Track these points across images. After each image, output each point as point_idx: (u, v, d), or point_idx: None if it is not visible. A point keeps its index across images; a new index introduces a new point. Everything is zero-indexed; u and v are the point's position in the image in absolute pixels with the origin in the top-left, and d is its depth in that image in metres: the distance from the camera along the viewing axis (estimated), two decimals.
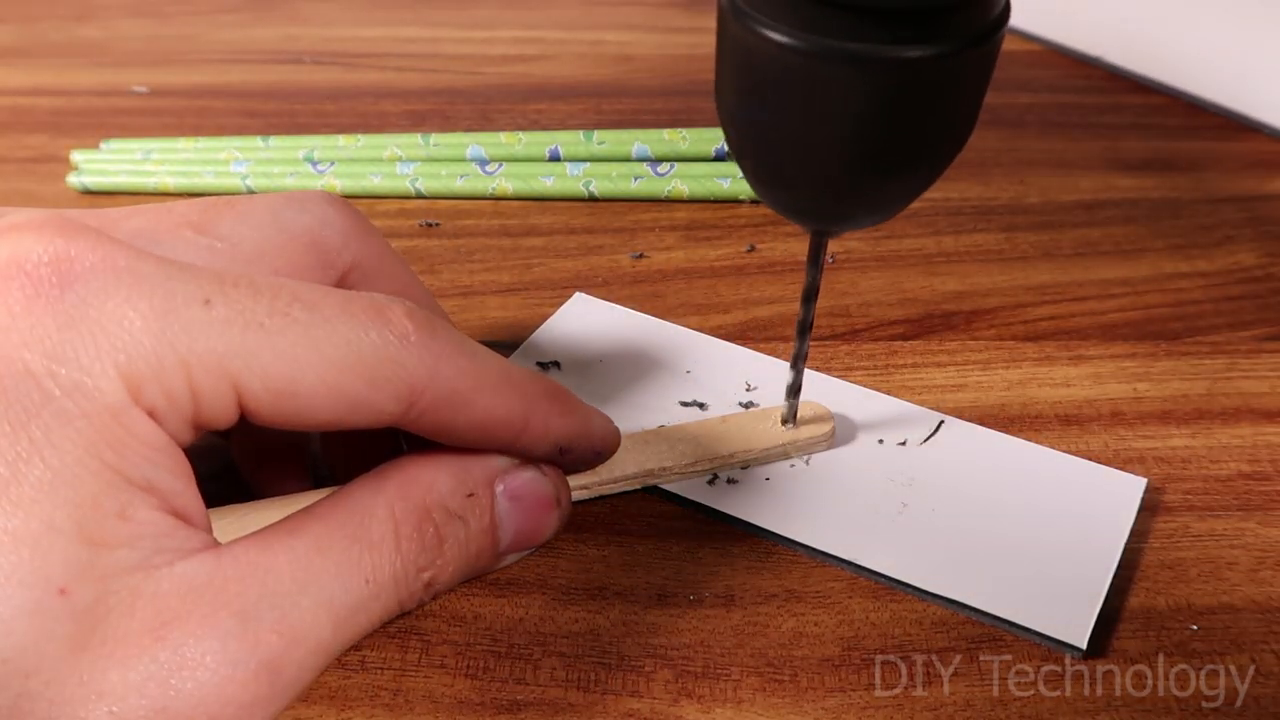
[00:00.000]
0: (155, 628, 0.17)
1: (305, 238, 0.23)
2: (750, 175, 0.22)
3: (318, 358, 0.19)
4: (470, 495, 0.22)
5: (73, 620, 0.16)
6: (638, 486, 0.27)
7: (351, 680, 0.23)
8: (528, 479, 0.23)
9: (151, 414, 0.17)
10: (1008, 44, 0.50)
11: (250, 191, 0.41)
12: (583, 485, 0.26)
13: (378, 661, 0.24)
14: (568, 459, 0.24)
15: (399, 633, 0.24)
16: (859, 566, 0.25)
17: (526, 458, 0.23)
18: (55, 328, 0.17)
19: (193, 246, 0.21)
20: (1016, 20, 0.51)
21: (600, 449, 0.24)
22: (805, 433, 0.27)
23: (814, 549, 0.25)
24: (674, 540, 0.26)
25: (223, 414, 0.18)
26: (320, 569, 0.19)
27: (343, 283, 0.24)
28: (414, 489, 0.21)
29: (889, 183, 0.21)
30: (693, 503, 0.27)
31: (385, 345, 0.19)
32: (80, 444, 0.17)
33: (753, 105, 0.20)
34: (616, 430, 0.25)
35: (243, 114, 0.47)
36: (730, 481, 0.27)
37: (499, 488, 0.22)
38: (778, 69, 0.19)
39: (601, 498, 0.27)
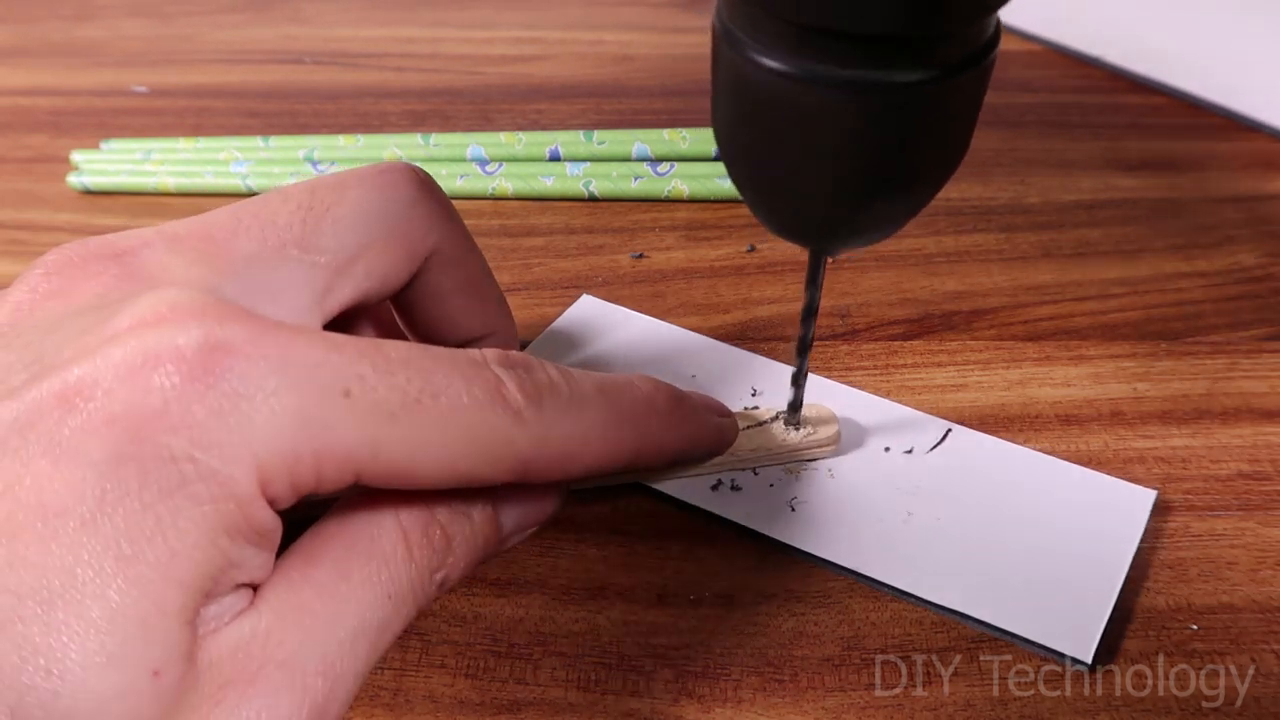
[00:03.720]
0: (213, 693, 0.17)
1: (396, 232, 0.24)
2: (746, 196, 0.22)
3: (439, 444, 0.19)
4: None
5: (158, 701, 0.17)
6: (633, 481, 0.27)
7: None
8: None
9: (274, 501, 0.18)
10: (1007, 44, 0.50)
11: (251, 192, 0.41)
12: None
13: (377, 661, 0.24)
14: (679, 463, 0.25)
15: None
16: (863, 576, 0.25)
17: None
18: (204, 415, 0.17)
19: (299, 268, 0.22)
20: (1017, 20, 0.51)
21: (714, 449, 0.26)
22: (811, 437, 0.27)
23: (818, 557, 0.25)
24: (674, 540, 0.26)
25: (337, 490, 0.19)
26: (346, 596, 0.19)
27: (424, 268, 0.25)
28: (414, 496, 0.21)
29: (883, 204, 0.21)
30: (695, 508, 0.27)
31: (500, 426, 0.20)
32: (205, 528, 0.17)
33: (746, 129, 0.20)
34: (734, 424, 0.26)
35: (243, 114, 0.47)
36: (734, 488, 0.27)
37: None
38: (770, 94, 0.19)
39: (601, 490, 0.27)
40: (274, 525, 0.18)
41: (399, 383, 0.19)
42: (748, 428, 0.27)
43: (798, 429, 0.27)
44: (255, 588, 0.19)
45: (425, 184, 0.25)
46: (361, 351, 0.19)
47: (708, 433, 0.25)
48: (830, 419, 0.28)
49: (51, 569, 0.16)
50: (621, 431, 0.22)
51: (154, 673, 0.16)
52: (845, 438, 0.28)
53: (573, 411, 0.21)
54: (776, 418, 0.28)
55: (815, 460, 0.28)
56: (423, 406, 0.19)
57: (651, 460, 0.23)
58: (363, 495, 0.21)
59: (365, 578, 0.20)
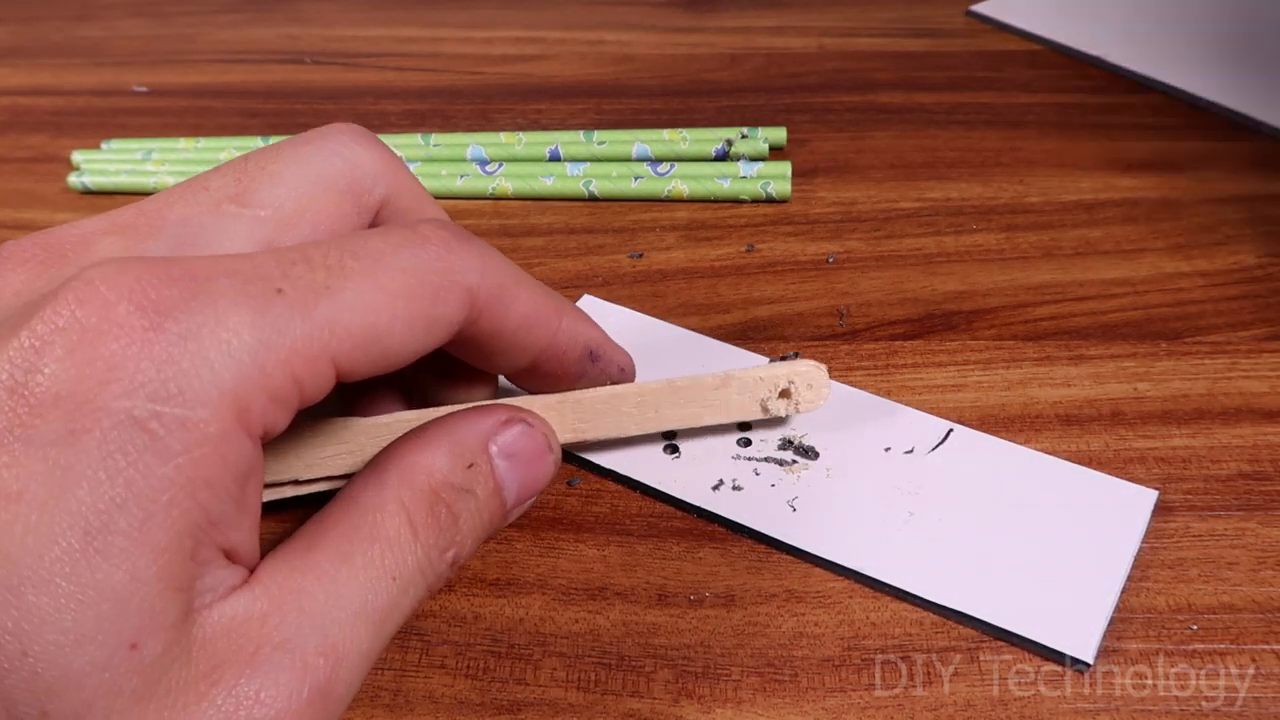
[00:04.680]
0: (209, 672, 0.17)
1: (339, 185, 0.23)
2: None
3: (386, 296, 0.19)
4: (471, 466, 0.22)
5: (139, 674, 0.16)
6: (614, 436, 0.27)
7: None
8: (518, 433, 0.23)
9: (267, 429, 0.18)
10: (1007, 44, 0.50)
11: None
12: (573, 436, 0.26)
13: (378, 661, 0.24)
14: (597, 366, 0.25)
15: (399, 633, 0.24)
16: (864, 576, 0.25)
17: (559, 367, 0.24)
18: (155, 369, 0.16)
19: (238, 222, 0.21)
20: (1016, 20, 0.51)
21: (623, 364, 0.26)
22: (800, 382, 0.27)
23: (818, 557, 0.25)
24: (674, 540, 0.26)
25: (323, 389, 0.19)
26: (348, 579, 0.19)
27: (375, 220, 0.24)
28: (416, 475, 0.21)
29: None
30: (695, 508, 0.27)
31: (435, 259, 0.20)
32: (180, 483, 0.16)
33: None
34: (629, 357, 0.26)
35: (243, 114, 0.47)
36: (735, 488, 0.27)
37: (493, 449, 0.23)
38: None
39: (601, 490, 0.27)
40: (254, 463, 0.18)
41: (318, 257, 0.19)
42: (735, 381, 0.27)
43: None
44: (251, 570, 0.19)
45: (365, 138, 0.24)
46: (271, 253, 0.19)
47: (614, 343, 0.26)
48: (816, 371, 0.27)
49: (16, 553, 0.16)
50: (541, 287, 0.23)
51: (131, 645, 0.16)
52: (845, 437, 0.28)
53: (496, 253, 0.22)
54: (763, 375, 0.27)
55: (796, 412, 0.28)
56: (350, 269, 0.19)
57: (572, 339, 0.24)
58: (362, 478, 0.21)
59: (368, 560, 0.20)
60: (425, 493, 0.21)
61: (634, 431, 0.26)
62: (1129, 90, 0.46)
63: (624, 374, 0.26)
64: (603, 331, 0.25)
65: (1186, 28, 0.49)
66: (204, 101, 0.48)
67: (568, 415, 0.26)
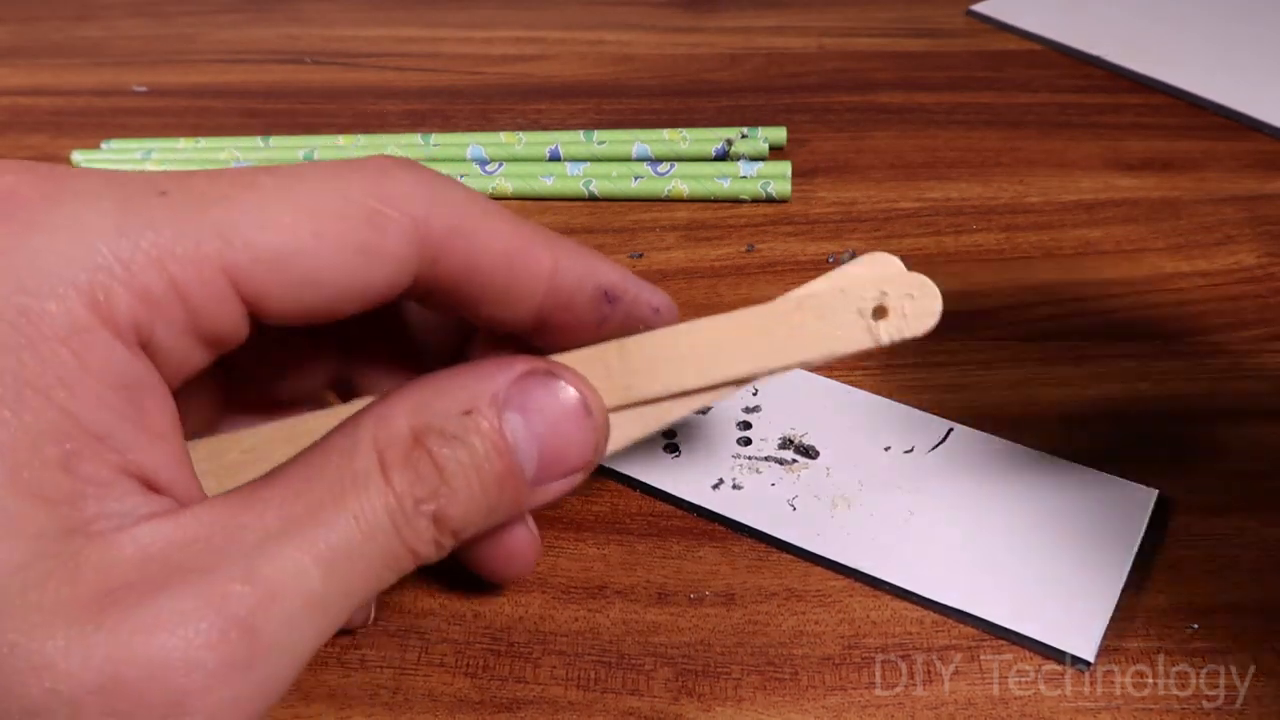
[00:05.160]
0: (100, 596, 0.15)
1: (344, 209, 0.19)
2: None
3: (303, 213, 0.17)
4: (467, 412, 0.18)
5: None
6: (673, 391, 0.22)
7: (351, 679, 0.23)
8: (538, 384, 0.19)
9: (136, 334, 0.16)
10: (1007, 44, 0.50)
11: None
12: (621, 397, 0.21)
13: (377, 660, 0.24)
14: (619, 309, 0.21)
15: (399, 631, 0.24)
16: (864, 575, 0.25)
17: (570, 316, 0.21)
18: (4, 260, 0.15)
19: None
20: (1016, 20, 0.51)
21: (658, 304, 0.22)
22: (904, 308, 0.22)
23: (818, 556, 0.25)
24: (674, 539, 0.26)
25: (224, 311, 0.17)
26: (297, 515, 0.17)
27: (435, 252, 0.20)
28: (397, 413, 0.18)
29: None
30: (695, 507, 0.27)
31: (370, 182, 0.18)
32: (22, 378, 0.15)
33: None
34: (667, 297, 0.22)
35: (243, 114, 0.47)
36: (735, 487, 0.27)
37: (503, 399, 0.19)
38: None
39: (601, 490, 0.27)
40: (135, 375, 0.16)
41: (223, 176, 0.17)
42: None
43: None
44: (180, 503, 0.17)
45: (401, 164, 0.21)
46: (174, 172, 0.17)
47: (637, 280, 0.22)
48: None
49: None
50: (524, 223, 0.20)
51: None
52: (845, 437, 0.28)
53: (462, 186, 0.19)
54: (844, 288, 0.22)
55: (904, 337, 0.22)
56: (260, 184, 0.17)
57: (577, 281, 0.21)
58: (342, 424, 0.19)
59: (325, 495, 0.17)
60: (402, 434, 0.18)
61: (696, 384, 0.22)
62: (1129, 90, 0.46)
63: (660, 316, 0.22)
64: (620, 267, 0.21)
65: (1186, 28, 0.49)
66: (204, 101, 0.49)
67: (613, 368, 0.21)
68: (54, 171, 0.17)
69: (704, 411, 0.29)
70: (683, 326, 0.22)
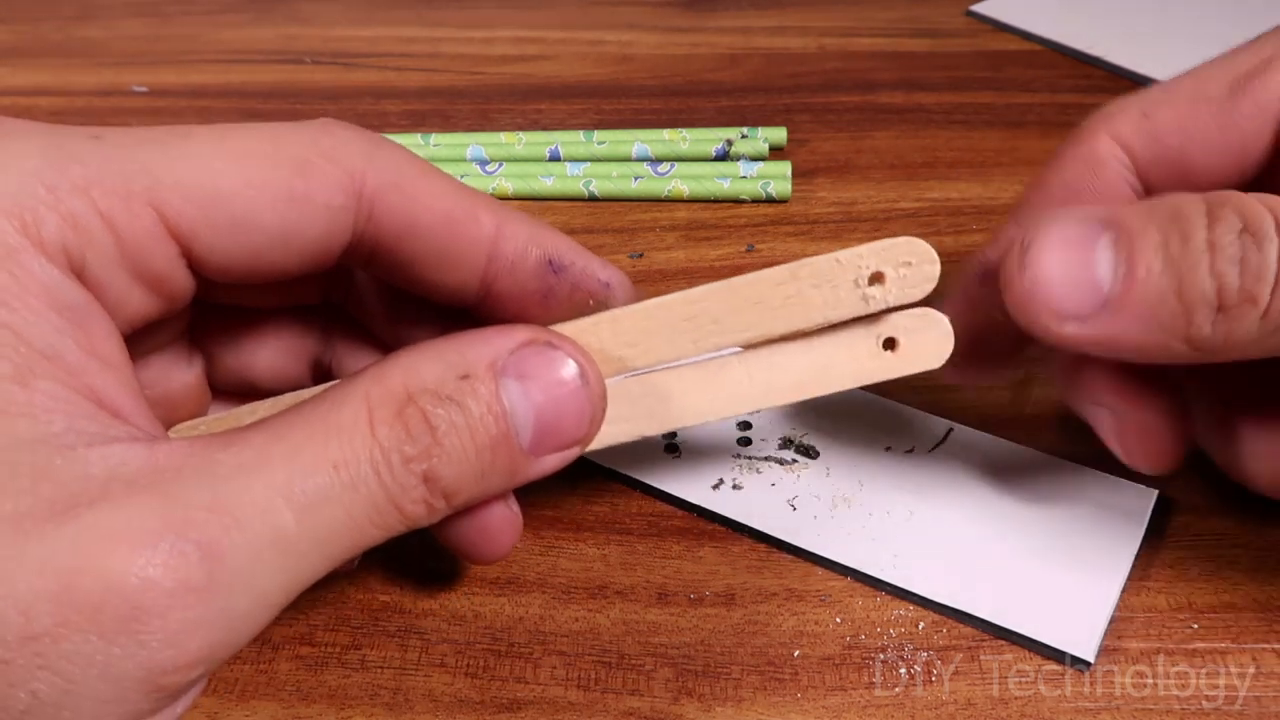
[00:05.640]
0: (61, 506, 0.15)
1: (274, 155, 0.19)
2: None
3: (235, 159, 0.18)
4: (464, 377, 0.18)
5: None
6: (671, 360, 0.21)
7: (351, 679, 0.23)
8: (537, 353, 0.19)
9: (67, 259, 0.16)
10: (1007, 44, 0.50)
11: None
12: (617, 367, 0.21)
13: (377, 660, 0.24)
14: (565, 279, 0.21)
15: (399, 631, 0.24)
16: (864, 575, 0.25)
17: (515, 284, 0.20)
18: None
19: None
20: (1016, 20, 0.51)
21: (607, 277, 0.22)
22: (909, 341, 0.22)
23: (818, 556, 0.25)
24: (674, 540, 0.26)
25: (157, 250, 0.17)
26: (274, 455, 0.16)
27: (370, 210, 0.20)
28: (394, 373, 0.18)
29: None
30: (696, 507, 0.27)
31: (307, 134, 0.18)
32: None
33: None
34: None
35: (243, 114, 0.47)
36: (735, 487, 0.27)
37: (501, 365, 0.19)
38: None
39: (601, 489, 0.27)
40: (75, 299, 0.16)
41: (159, 130, 0.18)
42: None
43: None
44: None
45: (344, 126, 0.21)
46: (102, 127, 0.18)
47: (585, 252, 0.22)
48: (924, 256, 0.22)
49: None
50: (466, 188, 0.20)
51: None
52: (845, 437, 0.28)
53: (401, 146, 0.20)
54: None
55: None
56: (194, 134, 0.18)
57: (522, 247, 0.21)
58: (338, 383, 0.19)
59: (305, 440, 0.17)
60: (396, 391, 0.18)
61: (693, 353, 0.21)
62: (1129, 89, 0.46)
63: (611, 291, 0.22)
64: (568, 239, 0.21)
65: (1186, 28, 0.49)
66: (204, 102, 0.49)
67: (605, 338, 0.21)
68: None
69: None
70: (676, 296, 0.21)
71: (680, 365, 0.22)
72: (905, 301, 0.22)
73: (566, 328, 0.21)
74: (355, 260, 0.21)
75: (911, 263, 0.21)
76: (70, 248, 0.16)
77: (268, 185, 0.18)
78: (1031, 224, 0.20)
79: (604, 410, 0.20)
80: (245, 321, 0.23)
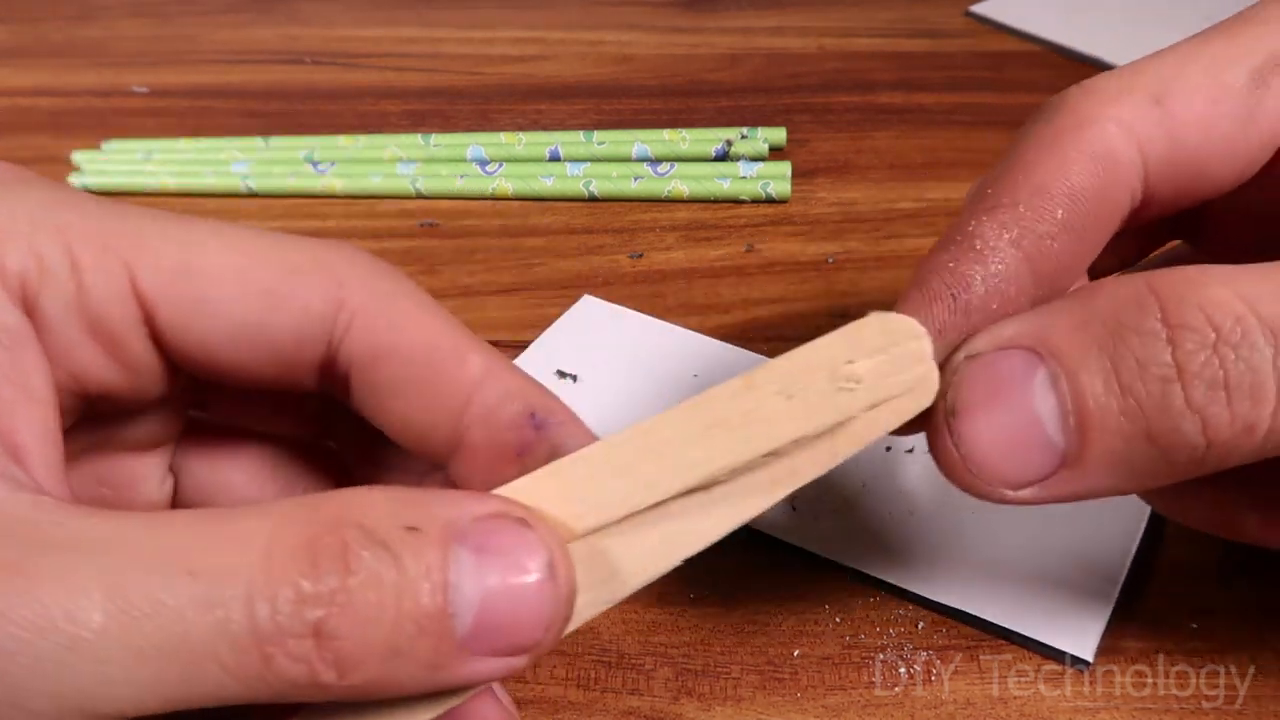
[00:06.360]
0: None
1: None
2: None
3: (225, 248, 0.17)
4: (412, 529, 0.15)
5: None
6: (621, 514, 0.17)
7: None
8: (506, 527, 0.15)
9: (21, 290, 0.16)
10: (1007, 44, 0.50)
11: (252, 192, 0.41)
12: (579, 534, 0.17)
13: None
14: (544, 437, 0.18)
15: None
16: (864, 575, 0.25)
17: (490, 433, 0.18)
18: None
19: None
20: (1016, 20, 0.51)
21: (584, 439, 0.18)
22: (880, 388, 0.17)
23: (818, 557, 0.25)
24: None
25: (114, 309, 0.17)
26: (130, 540, 0.14)
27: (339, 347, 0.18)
28: (332, 499, 0.15)
29: None
30: None
31: (312, 245, 0.18)
32: None
33: None
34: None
35: (243, 114, 0.47)
36: None
37: (460, 530, 0.15)
38: None
39: None
40: (18, 324, 0.16)
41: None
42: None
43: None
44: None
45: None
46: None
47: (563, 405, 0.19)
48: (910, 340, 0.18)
49: None
50: (452, 321, 0.18)
51: None
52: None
53: (394, 270, 0.18)
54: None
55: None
56: (189, 221, 0.18)
57: (503, 395, 0.18)
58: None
59: (177, 541, 0.14)
60: (322, 516, 0.14)
61: (649, 499, 0.17)
62: None
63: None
64: (555, 397, 0.18)
65: (1187, 27, 0.49)
66: (204, 102, 0.49)
67: (549, 498, 0.17)
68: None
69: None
70: (620, 435, 0.17)
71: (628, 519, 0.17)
72: (893, 394, 0.17)
73: (505, 490, 0.17)
74: (334, 384, 0.19)
75: (886, 347, 0.17)
76: (28, 282, 0.16)
77: (247, 277, 0.17)
78: (951, 373, 0.17)
79: (567, 618, 0.16)
80: (230, 439, 0.22)
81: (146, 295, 0.17)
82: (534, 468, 0.17)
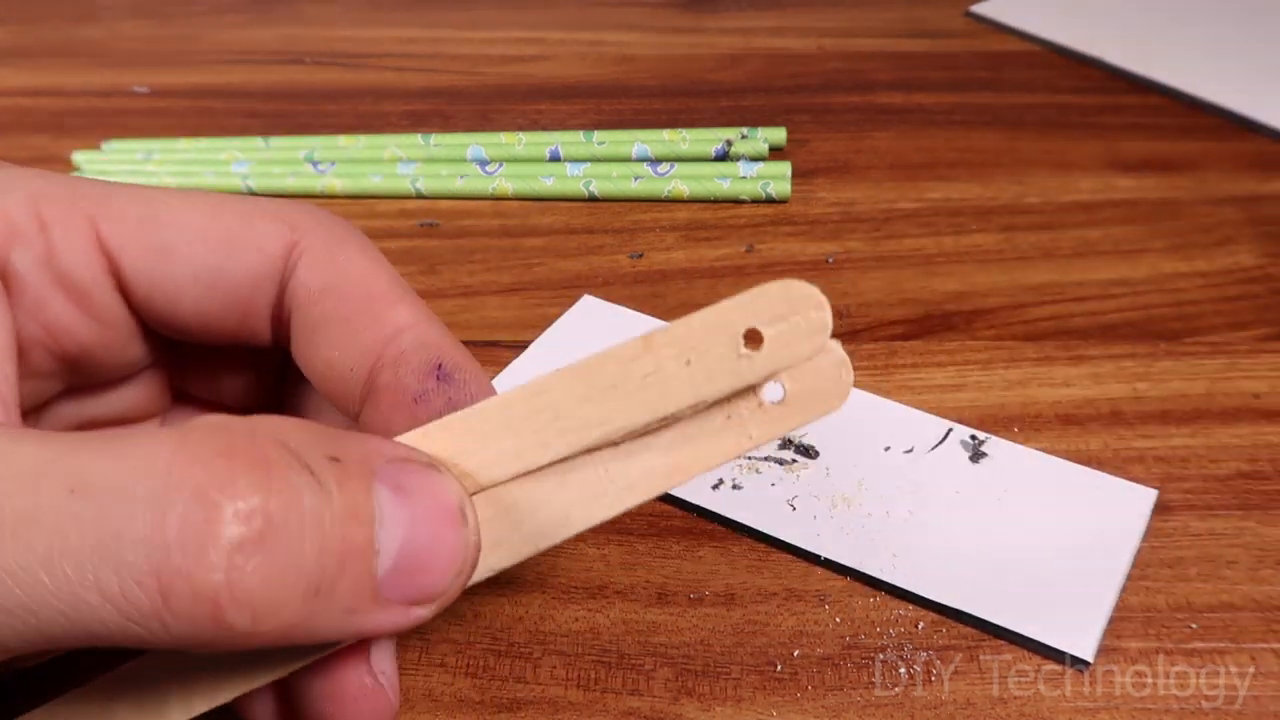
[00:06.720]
0: None
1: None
2: None
3: (187, 203, 0.18)
4: (334, 460, 0.14)
5: None
6: (512, 474, 0.17)
7: None
8: (419, 470, 0.15)
9: None
10: (1007, 44, 0.50)
11: (252, 192, 0.41)
12: (474, 489, 0.17)
13: None
14: (442, 394, 0.18)
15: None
16: (864, 575, 0.25)
17: (395, 378, 0.18)
18: None
19: None
20: (1016, 20, 0.51)
21: (484, 397, 0.18)
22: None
23: (818, 557, 0.25)
24: (674, 540, 0.26)
25: (81, 261, 0.18)
26: (8, 454, 0.12)
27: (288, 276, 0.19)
28: (241, 422, 0.14)
29: None
30: (695, 506, 0.27)
31: (275, 201, 0.19)
32: None
33: None
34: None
35: (244, 114, 0.47)
36: (735, 487, 0.27)
37: (377, 468, 0.15)
38: None
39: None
40: None
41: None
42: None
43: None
44: None
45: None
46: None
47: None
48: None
49: None
50: (389, 271, 0.19)
51: None
52: (845, 437, 0.28)
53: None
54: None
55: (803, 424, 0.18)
56: (155, 191, 0.19)
57: (417, 341, 0.18)
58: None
59: (71, 449, 0.13)
60: (238, 430, 0.13)
61: (543, 459, 0.17)
62: (1127, 91, 0.46)
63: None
64: (469, 356, 0.19)
65: (1186, 28, 0.49)
66: (205, 102, 0.49)
67: (441, 449, 0.17)
68: None
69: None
70: (516, 392, 0.17)
71: (525, 475, 0.17)
72: (792, 363, 0.17)
73: (403, 439, 0.17)
74: (281, 332, 0.19)
75: (787, 314, 0.17)
76: (3, 256, 0.17)
77: (208, 225, 0.18)
78: None
79: (474, 566, 0.15)
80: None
81: (110, 245, 0.18)
82: (428, 419, 0.17)
